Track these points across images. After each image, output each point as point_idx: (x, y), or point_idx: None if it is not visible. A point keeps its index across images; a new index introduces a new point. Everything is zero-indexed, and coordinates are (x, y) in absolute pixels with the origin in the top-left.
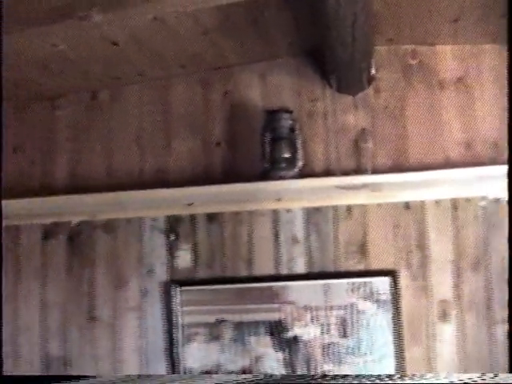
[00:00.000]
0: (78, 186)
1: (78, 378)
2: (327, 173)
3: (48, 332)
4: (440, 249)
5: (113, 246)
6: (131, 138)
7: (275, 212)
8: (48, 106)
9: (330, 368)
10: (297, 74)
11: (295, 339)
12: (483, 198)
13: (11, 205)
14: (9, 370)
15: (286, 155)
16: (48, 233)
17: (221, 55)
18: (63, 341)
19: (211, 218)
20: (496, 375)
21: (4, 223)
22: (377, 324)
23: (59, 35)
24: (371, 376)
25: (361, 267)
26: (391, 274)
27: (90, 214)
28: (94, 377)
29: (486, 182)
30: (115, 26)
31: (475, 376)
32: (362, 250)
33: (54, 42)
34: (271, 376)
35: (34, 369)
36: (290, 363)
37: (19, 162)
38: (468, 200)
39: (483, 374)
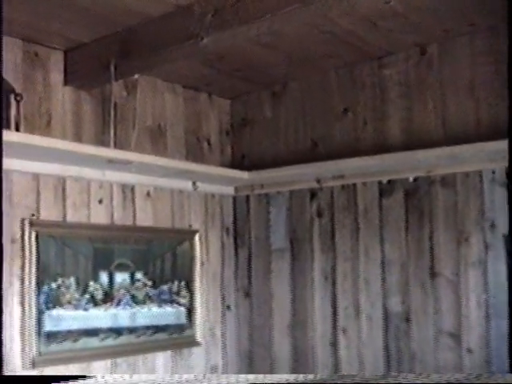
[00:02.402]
0: (412, 143)
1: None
2: None
3: (388, 288)
4: None
5: (452, 201)
6: (464, 91)
7: None
8: (375, 65)
9: None
10: None
11: None
12: None
13: (347, 164)
14: (350, 325)
15: None
16: (384, 190)
17: None
18: (404, 296)
19: None
20: None
21: (341, 182)
22: None
23: None
24: None
25: None
26: None
27: (427, 170)
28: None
29: None
30: None
31: None
32: None
33: None
34: None
35: (373, 324)
36: None
37: (351, 122)
38: None
39: None
